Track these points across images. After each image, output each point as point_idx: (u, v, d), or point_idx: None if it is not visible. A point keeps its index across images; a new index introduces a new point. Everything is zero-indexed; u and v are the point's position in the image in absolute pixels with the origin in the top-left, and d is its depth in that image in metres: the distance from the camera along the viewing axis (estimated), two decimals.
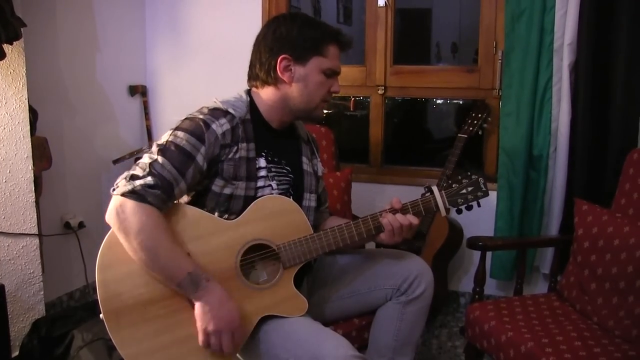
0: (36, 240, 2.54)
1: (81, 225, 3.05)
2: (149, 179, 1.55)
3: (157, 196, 1.54)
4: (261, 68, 1.75)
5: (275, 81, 1.74)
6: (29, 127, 2.46)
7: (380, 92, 3.21)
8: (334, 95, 1.83)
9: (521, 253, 2.41)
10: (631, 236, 1.89)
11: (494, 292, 3.05)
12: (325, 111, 4.23)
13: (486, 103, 2.99)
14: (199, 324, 1.55)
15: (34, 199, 2.51)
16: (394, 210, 1.75)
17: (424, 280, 1.82)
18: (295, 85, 1.73)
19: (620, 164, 2.27)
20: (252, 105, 1.77)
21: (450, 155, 2.78)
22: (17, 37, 2.26)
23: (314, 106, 1.77)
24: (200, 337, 1.55)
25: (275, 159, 1.78)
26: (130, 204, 1.52)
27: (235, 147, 1.67)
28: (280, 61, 1.71)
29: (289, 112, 1.79)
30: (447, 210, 1.81)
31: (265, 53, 1.73)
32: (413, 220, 1.74)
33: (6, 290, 2.33)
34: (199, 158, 1.61)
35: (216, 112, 1.68)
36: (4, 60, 2.27)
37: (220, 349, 1.55)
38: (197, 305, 1.55)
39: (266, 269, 1.72)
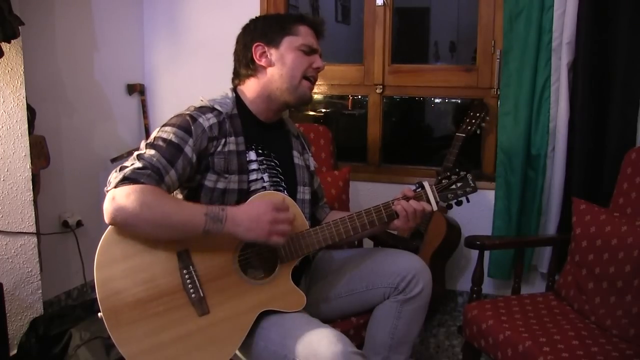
0: (34, 239, 2.54)
1: (79, 224, 3.04)
2: (138, 164, 1.57)
3: (148, 175, 1.55)
4: (240, 64, 1.83)
5: (255, 71, 1.80)
6: (26, 125, 2.45)
7: (378, 91, 3.21)
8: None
9: (519, 252, 2.42)
10: (629, 235, 1.89)
11: (491, 291, 3.05)
12: (323, 110, 4.27)
13: (484, 102, 2.99)
14: (260, 241, 1.59)
15: (32, 198, 2.51)
16: (406, 197, 1.79)
17: (422, 279, 1.82)
18: (274, 69, 1.78)
19: (618, 163, 2.27)
20: (238, 101, 1.81)
21: (448, 154, 2.78)
22: (15, 35, 2.26)
23: (296, 84, 1.79)
24: (273, 242, 1.60)
25: (265, 152, 1.80)
26: (122, 190, 1.51)
27: (224, 140, 1.70)
28: (255, 49, 1.78)
29: (275, 99, 1.81)
30: (440, 206, 1.84)
31: (241, 51, 1.82)
32: (426, 206, 1.79)
33: (4, 288, 2.33)
34: (188, 150, 1.63)
35: (203, 109, 1.72)
36: (2, 59, 2.27)
37: (287, 230, 1.62)
38: (240, 237, 1.58)
39: (264, 264, 1.72)
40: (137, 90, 3.47)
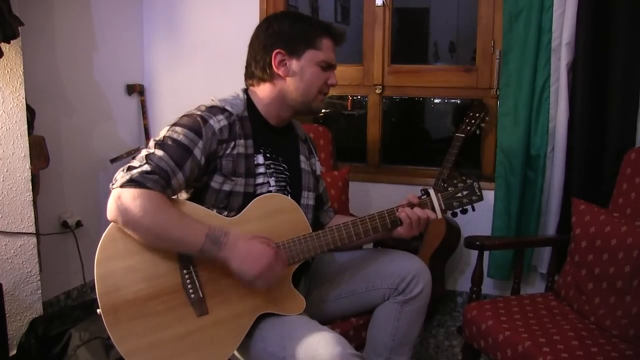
0: (33, 239, 2.54)
1: (79, 224, 3.04)
2: (146, 167, 1.55)
3: (155, 181, 1.54)
4: (256, 66, 1.77)
5: (271, 77, 1.76)
6: (26, 126, 2.45)
7: (377, 91, 3.21)
8: (331, 88, 1.84)
9: (518, 252, 2.42)
10: (628, 236, 1.89)
11: (491, 291, 3.05)
12: (323, 110, 4.26)
13: (484, 102, 2.99)
14: (244, 281, 1.57)
15: (32, 198, 2.51)
16: (411, 205, 1.79)
17: (422, 280, 1.82)
18: (290, 80, 1.75)
19: (617, 163, 2.27)
20: (249, 103, 1.79)
21: (447, 154, 2.77)
22: (14, 35, 2.25)
23: (311, 98, 1.78)
24: (252, 286, 1.59)
25: (274, 156, 1.79)
26: (128, 192, 1.51)
27: (233, 143, 1.68)
28: (275, 56, 1.73)
29: (287, 108, 1.79)
30: (444, 213, 1.83)
31: (260, 51, 1.76)
32: (431, 215, 1.78)
33: (4, 289, 2.33)
34: (197, 152, 1.62)
35: (213, 109, 1.69)
36: (2, 59, 2.27)
37: (274, 281, 1.61)
38: (231, 265, 1.56)
39: None
40: (136, 90, 3.47)
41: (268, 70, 1.75)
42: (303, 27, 1.77)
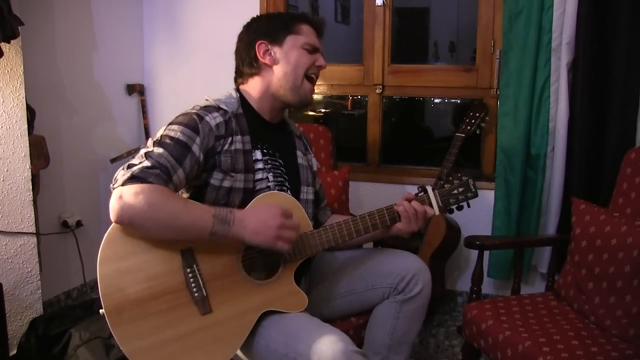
0: (34, 239, 2.54)
1: (79, 224, 3.05)
2: (146, 162, 1.56)
3: (157, 175, 1.54)
4: (243, 63, 1.83)
5: (258, 70, 1.80)
6: (26, 125, 2.45)
7: (378, 91, 3.21)
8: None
9: (519, 252, 2.42)
10: (628, 235, 1.89)
11: (491, 291, 3.05)
12: (322, 110, 4.27)
13: (484, 102, 2.99)
14: (266, 250, 1.63)
15: (32, 198, 2.51)
16: (408, 199, 1.81)
17: (421, 279, 1.83)
18: (277, 67, 1.79)
19: (617, 163, 2.27)
20: (242, 100, 1.81)
21: (447, 154, 2.77)
22: (14, 35, 2.26)
23: (299, 83, 1.80)
24: (277, 250, 1.62)
25: (270, 152, 1.81)
26: (130, 189, 1.50)
27: (230, 139, 1.70)
28: (258, 47, 1.79)
29: (278, 98, 1.81)
30: (442, 210, 1.85)
31: (244, 49, 1.83)
32: (429, 210, 1.81)
33: (4, 288, 2.33)
34: (195, 148, 1.63)
35: (209, 107, 1.72)
36: (2, 59, 2.27)
37: (294, 237, 1.63)
38: (245, 240, 1.59)
39: (267, 265, 1.73)
40: (136, 90, 3.47)
41: (255, 64, 1.80)
42: (280, 17, 1.88)
